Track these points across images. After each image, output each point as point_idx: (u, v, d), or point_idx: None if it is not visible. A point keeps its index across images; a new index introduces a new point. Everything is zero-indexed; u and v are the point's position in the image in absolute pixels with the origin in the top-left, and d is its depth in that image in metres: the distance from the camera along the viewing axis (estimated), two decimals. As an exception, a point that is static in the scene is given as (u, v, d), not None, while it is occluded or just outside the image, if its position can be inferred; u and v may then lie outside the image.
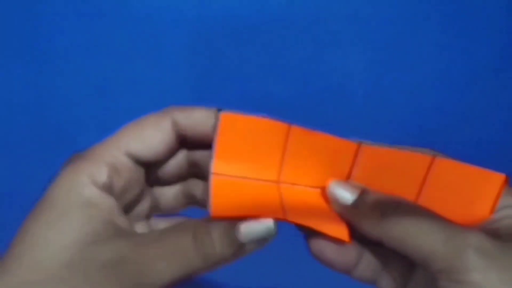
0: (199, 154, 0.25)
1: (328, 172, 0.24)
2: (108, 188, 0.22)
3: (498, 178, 0.22)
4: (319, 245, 0.23)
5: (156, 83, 0.45)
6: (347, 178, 0.24)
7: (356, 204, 0.23)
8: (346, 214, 0.23)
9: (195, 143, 0.25)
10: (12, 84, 0.44)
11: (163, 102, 0.45)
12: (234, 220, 0.21)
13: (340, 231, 0.23)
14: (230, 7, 0.45)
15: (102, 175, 0.22)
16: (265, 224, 0.21)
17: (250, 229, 0.21)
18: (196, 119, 0.24)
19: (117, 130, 0.23)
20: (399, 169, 0.23)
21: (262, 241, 0.21)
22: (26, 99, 0.44)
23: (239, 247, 0.21)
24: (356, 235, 0.23)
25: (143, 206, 0.26)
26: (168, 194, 0.27)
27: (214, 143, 0.24)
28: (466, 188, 0.23)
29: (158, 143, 0.23)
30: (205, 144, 0.25)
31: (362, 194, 0.23)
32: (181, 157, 0.25)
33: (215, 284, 0.46)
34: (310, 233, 0.23)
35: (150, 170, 0.25)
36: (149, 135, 0.23)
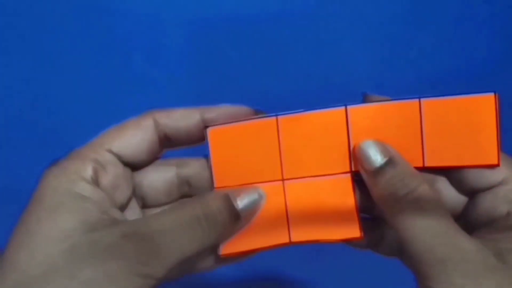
0: (190, 171, 0.25)
1: (329, 149, 0.24)
2: (96, 183, 0.22)
3: (488, 99, 0.22)
4: None
5: (156, 83, 0.45)
6: (348, 146, 0.24)
7: (378, 171, 0.22)
8: (367, 177, 0.23)
9: (179, 141, 0.25)
10: (10, 84, 0.44)
11: (163, 102, 0.45)
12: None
13: (352, 230, 0.23)
14: (230, 7, 0.45)
15: (88, 170, 0.22)
16: (257, 192, 0.24)
17: (243, 197, 0.23)
18: (177, 117, 0.24)
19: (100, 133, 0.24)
20: (393, 122, 0.23)
21: (254, 206, 0.24)
22: (24, 99, 0.44)
23: (236, 214, 0.23)
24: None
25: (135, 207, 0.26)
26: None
27: (210, 159, 0.24)
28: (463, 120, 0.22)
29: (139, 141, 0.24)
30: (188, 143, 0.25)
31: (389, 161, 0.22)
32: (171, 175, 0.25)
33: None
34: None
35: (137, 174, 0.25)
36: (130, 134, 0.24)
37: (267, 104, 0.42)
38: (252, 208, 0.24)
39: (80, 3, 0.45)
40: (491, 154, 0.21)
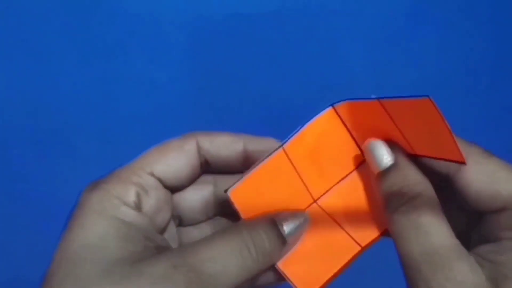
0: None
1: (338, 151, 0.24)
2: (139, 208, 0.22)
3: (426, 102, 0.22)
4: None
5: (156, 83, 0.45)
6: (352, 140, 0.24)
7: (384, 173, 0.22)
8: (373, 177, 0.23)
9: (219, 168, 0.25)
10: (10, 85, 0.44)
11: (163, 102, 0.46)
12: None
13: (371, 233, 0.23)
14: (231, 6, 0.45)
15: (131, 195, 0.21)
16: (302, 216, 0.23)
17: (289, 221, 0.23)
18: (220, 144, 0.24)
19: (140, 154, 0.23)
20: (370, 119, 0.23)
21: (300, 230, 0.23)
22: (23, 99, 0.44)
23: (283, 240, 0.22)
24: None
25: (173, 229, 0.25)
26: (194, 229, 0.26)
27: (241, 218, 0.23)
28: (422, 120, 0.22)
29: (182, 166, 0.23)
30: (228, 169, 0.25)
31: (395, 164, 0.22)
32: (209, 194, 0.25)
33: None
34: None
35: (176, 195, 0.25)
36: (173, 158, 0.23)
37: (267, 103, 0.43)
38: (298, 232, 0.23)
39: (80, 3, 0.45)
40: (456, 152, 0.22)
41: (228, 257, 0.20)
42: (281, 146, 0.24)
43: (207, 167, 0.24)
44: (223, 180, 0.24)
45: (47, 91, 0.44)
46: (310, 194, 0.24)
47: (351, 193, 0.24)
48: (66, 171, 0.43)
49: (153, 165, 0.22)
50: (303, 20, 0.47)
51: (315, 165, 0.24)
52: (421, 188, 0.21)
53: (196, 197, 0.24)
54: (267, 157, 0.23)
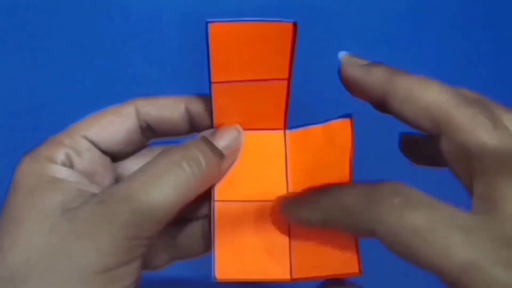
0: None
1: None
2: (69, 166, 0.22)
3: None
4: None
5: (156, 83, 0.46)
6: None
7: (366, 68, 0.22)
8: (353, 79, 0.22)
9: (163, 132, 0.25)
10: (10, 85, 0.45)
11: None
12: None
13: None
14: (231, 6, 0.45)
15: (60, 155, 0.22)
16: (235, 130, 0.24)
17: (224, 136, 0.23)
18: (160, 107, 0.24)
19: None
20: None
21: (235, 143, 0.24)
22: (22, 99, 0.45)
23: (219, 152, 0.23)
24: None
25: None
26: None
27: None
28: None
29: (117, 129, 0.24)
30: (172, 133, 0.25)
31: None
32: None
33: None
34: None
35: (120, 164, 0.25)
36: (108, 121, 0.24)
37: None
38: (234, 145, 0.24)
39: (80, 3, 0.45)
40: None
41: (160, 179, 0.21)
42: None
43: (152, 134, 0.24)
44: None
45: (45, 90, 0.45)
46: (287, 185, 0.24)
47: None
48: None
49: (87, 129, 0.23)
50: (303, 20, 0.47)
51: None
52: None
53: (140, 164, 0.23)
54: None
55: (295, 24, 0.20)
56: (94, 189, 0.22)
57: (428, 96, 0.20)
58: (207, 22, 0.21)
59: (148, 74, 0.46)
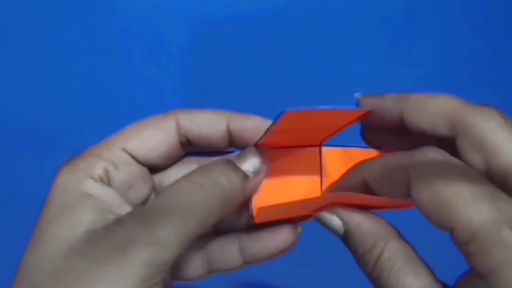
0: None
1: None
2: (106, 182, 0.22)
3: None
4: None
5: (156, 83, 0.45)
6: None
7: (343, 238, 0.22)
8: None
9: (202, 147, 0.24)
10: (10, 85, 0.44)
11: (163, 102, 0.46)
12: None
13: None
14: (231, 6, 0.45)
15: (98, 169, 0.21)
16: (257, 155, 0.23)
17: (247, 159, 0.22)
18: (201, 122, 0.23)
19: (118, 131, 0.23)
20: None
21: (262, 166, 0.23)
22: (23, 100, 0.44)
23: (242, 173, 0.22)
24: None
25: None
26: None
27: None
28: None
29: (157, 143, 0.23)
30: (212, 148, 0.24)
31: (346, 232, 0.22)
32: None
33: None
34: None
35: (158, 175, 0.24)
36: (149, 135, 0.23)
37: (267, 103, 0.43)
38: (260, 167, 0.23)
39: (79, 3, 0.45)
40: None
41: (183, 206, 0.20)
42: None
43: (190, 147, 0.24)
44: (208, 161, 0.23)
45: (45, 91, 0.44)
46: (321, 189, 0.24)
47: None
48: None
49: (126, 142, 0.22)
50: (303, 20, 0.47)
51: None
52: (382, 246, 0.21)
53: (179, 176, 0.22)
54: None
55: (369, 112, 0.23)
56: (123, 209, 0.22)
57: (439, 103, 0.21)
58: (283, 112, 0.20)
59: (148, 74, 0.45)
